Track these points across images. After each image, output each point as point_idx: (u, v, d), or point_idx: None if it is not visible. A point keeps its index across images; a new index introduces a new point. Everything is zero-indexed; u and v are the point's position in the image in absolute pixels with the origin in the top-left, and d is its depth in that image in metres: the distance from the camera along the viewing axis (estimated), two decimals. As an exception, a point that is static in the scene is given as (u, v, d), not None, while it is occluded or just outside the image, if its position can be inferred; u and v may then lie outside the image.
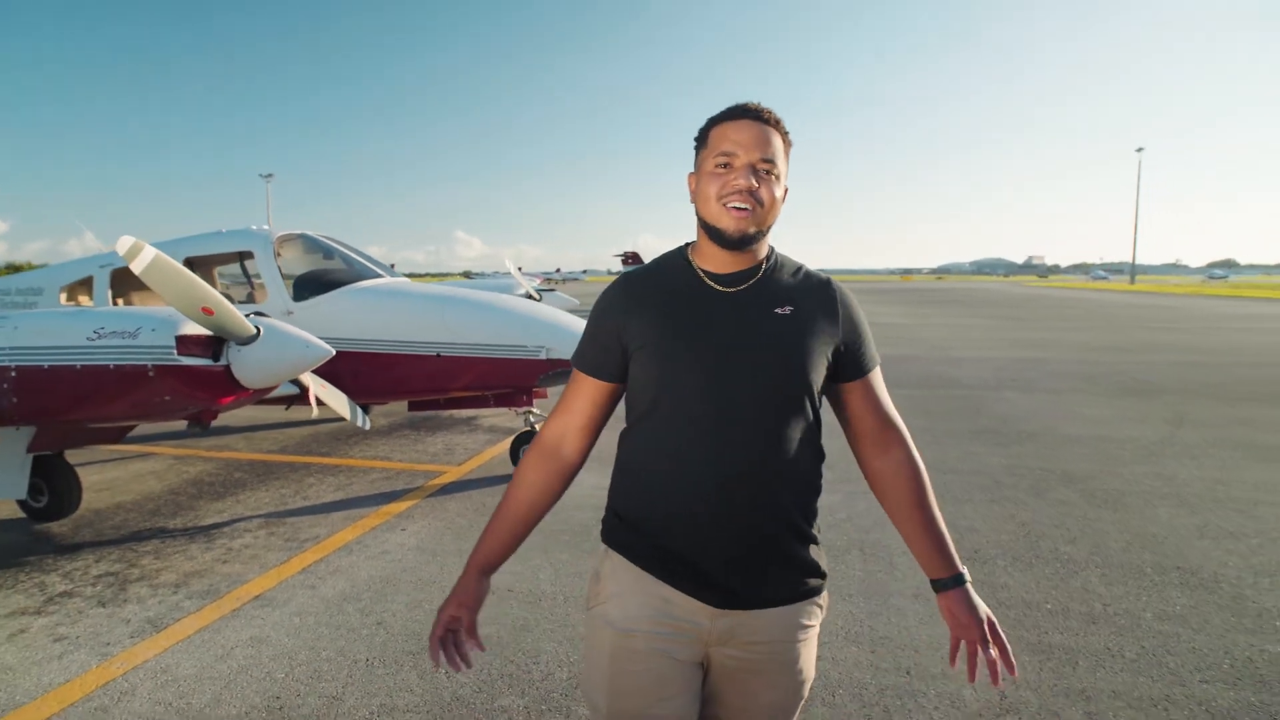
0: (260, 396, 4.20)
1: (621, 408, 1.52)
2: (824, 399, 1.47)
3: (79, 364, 3.75)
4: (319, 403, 4.71)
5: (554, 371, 5.53)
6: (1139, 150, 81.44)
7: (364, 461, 6.50)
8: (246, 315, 3.91)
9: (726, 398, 1.34)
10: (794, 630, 1.40)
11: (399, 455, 6.72)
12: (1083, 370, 11.65)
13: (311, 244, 6.61)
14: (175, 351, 3.70)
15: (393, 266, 6.98)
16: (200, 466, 6.40)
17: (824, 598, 1.46)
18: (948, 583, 1.42)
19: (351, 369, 5.48)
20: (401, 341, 5.63)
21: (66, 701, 2.83)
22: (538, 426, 5.91)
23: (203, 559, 4.26)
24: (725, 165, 1.35)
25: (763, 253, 1.44)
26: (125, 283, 6.78)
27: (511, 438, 6.84)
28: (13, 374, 3.83)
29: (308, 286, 6.06)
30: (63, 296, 6.80)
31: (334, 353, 4.07)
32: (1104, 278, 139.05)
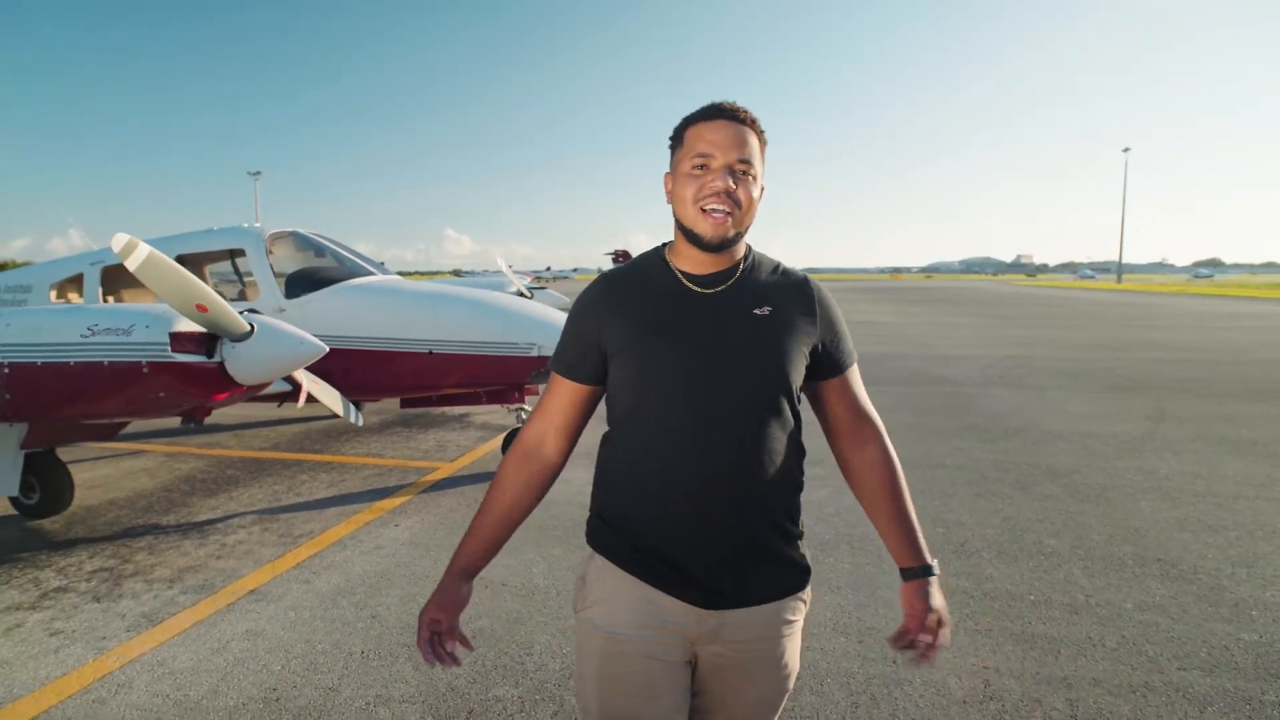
0: (254, 393, 4.22)
1: (602, 408, 1.52)
2: (802, 396, 1.48)
3: (73, 361, 3.77)
4: (310, 399, 4.74)
5: (545, 369, 5.58)
6: (1125, 151, 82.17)
7: (356, 458, 6.53)
8: (240, 312, 3.93)
9: (706, 399, 1.34)
10: (779, 626, 1.41)
11: (391, 452, 6.75)
12: (1068, 368, 11.79)
13: (303, 242, 6.62)
14: (169, 348, 3.73)
15: (382, 264, 7.00)
16: (192, 464, 6.40)
17: (807, 592, 1.47)
18: (916, 572, 1.42)
19: (344, 366, 5.50)
20: (393, 339, 5.65)
21: (64, 694, 2.86)
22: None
23: (197, 554, 4.28)
24: (702, 167, 1.34)
25: (740, 253, 1.44)
26: (116, 280, 6.77)
27: (503, 435, 6.88)
28: (6, 371, 3.85)
29: (299, 284, 6.07)
30: (52, 294, 6.79)
31: (327, 349, 4.10)
32: (1091, 277, 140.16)
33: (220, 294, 4.18)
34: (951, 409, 8.46)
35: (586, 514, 1.54)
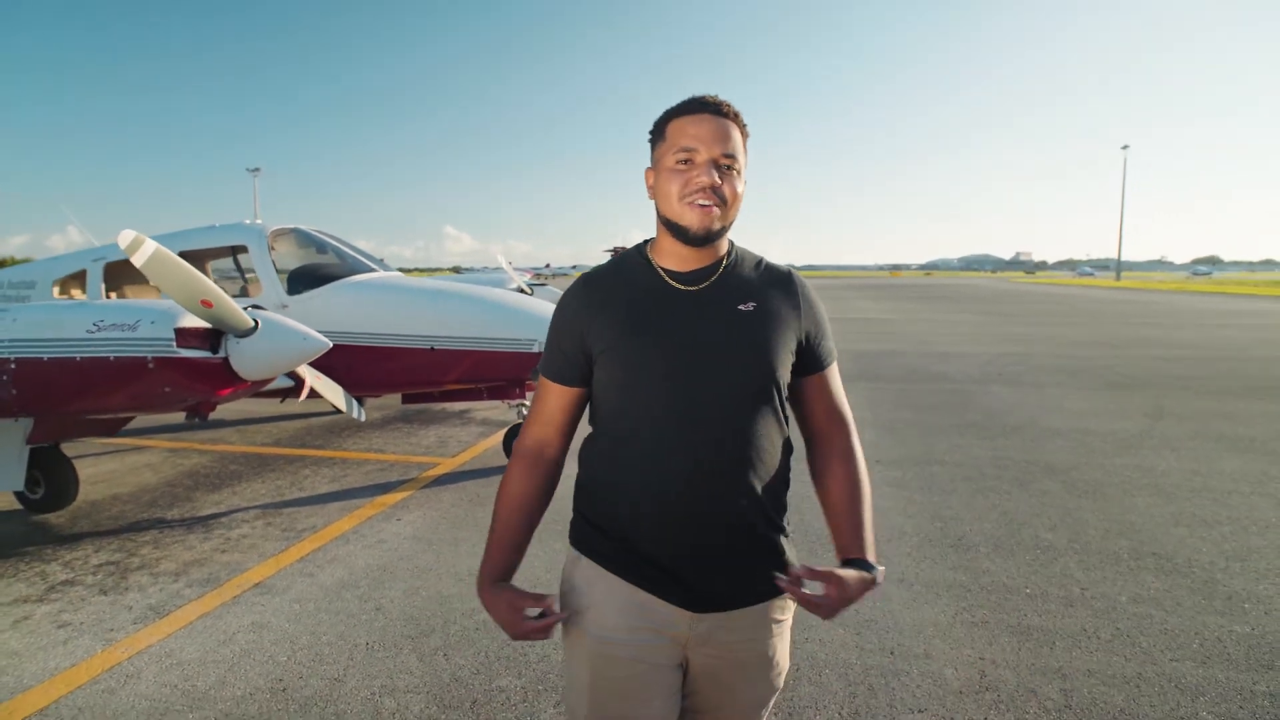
0: (257, 389, 4.26)
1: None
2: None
3: (79, 356, 3.81)
4: (312, 394, 4.77)
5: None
6: (1124, 148, 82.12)
7: (358, 454, 6.56)
8: (244, 308, 3.97)
9: (692, 397, 1.32)
10: (769, 626, 1.40)
11: (393, 448, 6.79)
12: (1067, 365, 11.83)
13: (305, 238, 6.66)
14: (174, 344, 3.76)
15: (382, 260, 7.03)
16: (195, 459, 6.44)
17: None
18: (857, 562, 1.34)
19: (346, 362, 5.54)
20: (395, 335, 5.69)
21: (74, 684, 2.90)
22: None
23: (201, 548, 4.32)
24: (686, 161, 1.32)
25: (723, 248, 1.42)
26: (118, 276, 6.81)
27: (504, 430, 6.92)
28: (12, 366, 3.88)
29: (301, 281, 6.11)
30: (56, 290, 6.82)
31: (331, 345, 4.14)
32: (1090, 274, 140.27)
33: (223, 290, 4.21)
34: (950, 406, 8.50)
35: None
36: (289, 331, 4.00)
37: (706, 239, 1.34)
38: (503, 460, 6.18)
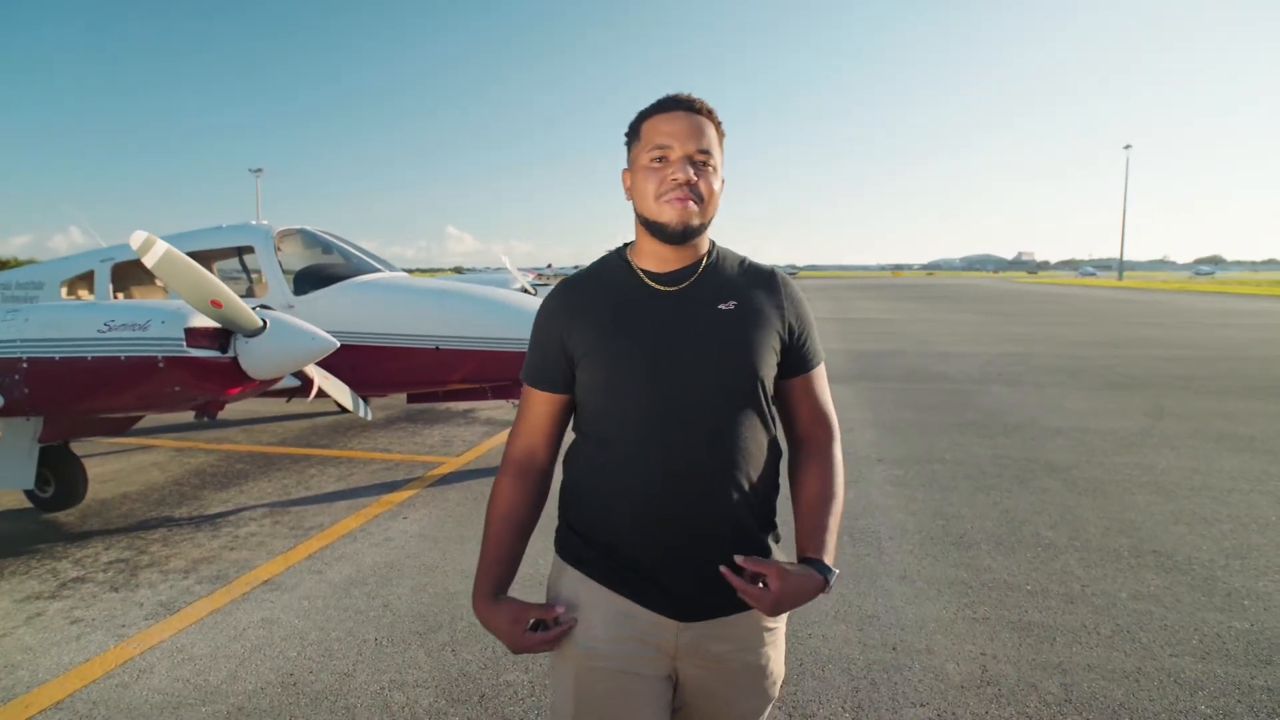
0: (265, 388, 4.31)
1: None
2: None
3: (90, 356, 3.85)
4: (319, 393, 4.82)
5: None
6: (1127, 148, 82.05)
7: (364, 453, 6.61)
8: (253, 308, 4.01)
9: (675, 400, 1.30)
10: (759, 634, 1.37)
11: (398, 447, 6.83)
12: (1068, 365, 11.86)
13: (311, 239, 6.70)
14: (184, 343, 3.81)
15: (386, 262, 7.07)
16: (202, 458, 6.49)
17: None
18: (813, 563, 1.29)
19: (351, 362, 5.58)
20: (401, 335, 5.73)
21: (88, 678, 2.94)
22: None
23: (210, 546, 4.37)
24: (661, 159, 1.31)
25: (704, 247, 1.40)
26: (126, 277, 6.86)
27: (508, 430, 6.96)
28: (24, 365, 3.93)
29: (308, 281, 6.15)
30: (63, 290, 6.87)
31: (338, 345, 4.19)
32: (1092, 274, 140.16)
33: (230, 290, 4.26)
34: (951, 405, 8.53)
35: None
36: (297, 331, 4.05)
37: (685, 236, 1.32)
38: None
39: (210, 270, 7.22)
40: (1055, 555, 4.05)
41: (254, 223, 6.50)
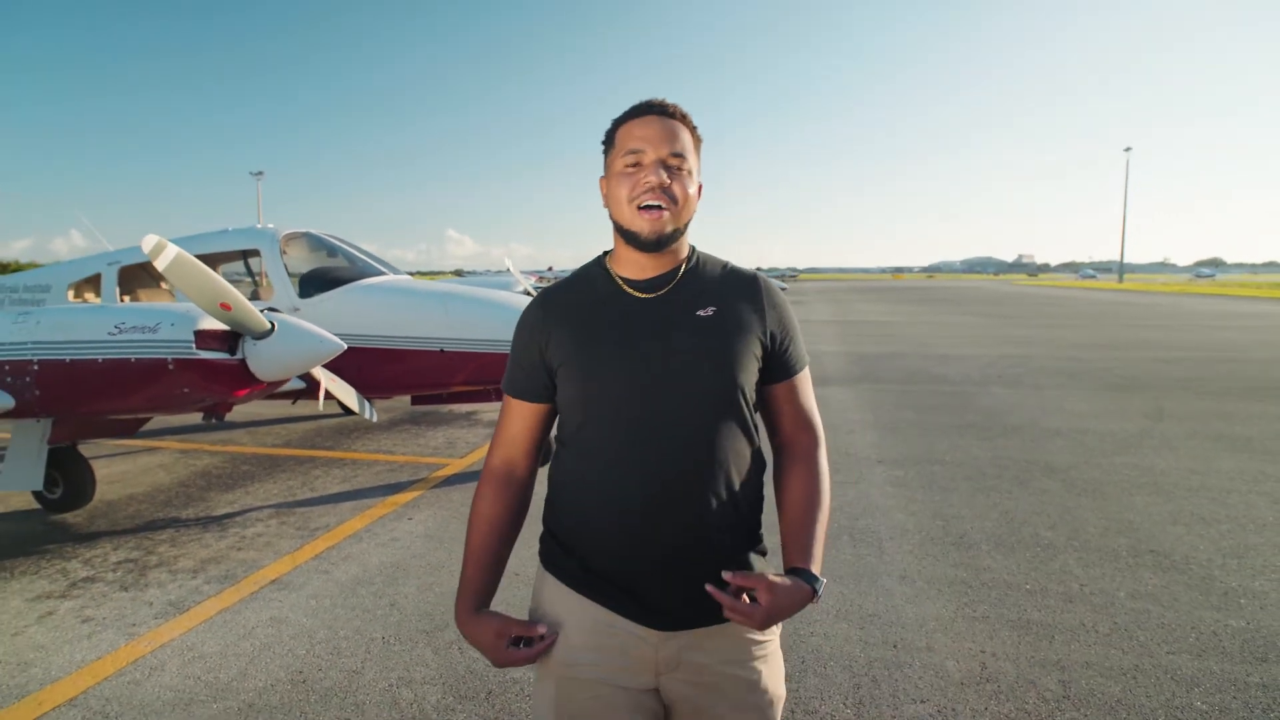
0: (273, 390, 4.36)
1: None
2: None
3: (100, 358, 3.90)
4: (327, 395, 4.87)
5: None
6: (1127, 150, 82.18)
7: (368, 455, 6.66)
8: (260, 311, 4.06)
9: (652, 409, 1.29)
10: (747, 648, 1.33)
11: (402, 449, 6.88)
12: (1067, 367, 11.90)
13: (316, 242, 6.76)
14: (194, 346, 3.86)
15: (390, 265, 7.12)
16: (207, 460, 6.54)
17: None
18: (800, 572, 1.26)
19: (357, 364, 5.63)
20: (406, 337, 5.78)
21: (100, 676, 2.99)
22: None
23: (217, 546, 4.42)
24: (635, 164, 1.30)
25: (683, 252, 1.39)
26: (132, 280, 6.92)
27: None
28: (35, 367, 3.98)
29: (313, 284, 6.20)
30: (70, 294, 6.92)
31: (345, 347, 4.24)
32: (1092, 276, 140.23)
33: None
34: (951, 407, 8.58)
35: None
36: (305, 334, 4.10)
37: (660, 242, 1.31)
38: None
39: (216, 273, 7.31)
40: (1054, 555, 4.10)
41: (260, 226, 6.55)
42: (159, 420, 7.60)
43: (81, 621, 3.48)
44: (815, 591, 1.24)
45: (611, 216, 1.35)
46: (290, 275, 6.26)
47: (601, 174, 1.39)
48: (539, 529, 1.45)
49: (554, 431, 1.47)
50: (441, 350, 5.75)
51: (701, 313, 1.33)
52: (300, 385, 5.31)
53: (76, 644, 3.26)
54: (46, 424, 4.59)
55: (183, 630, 3.37)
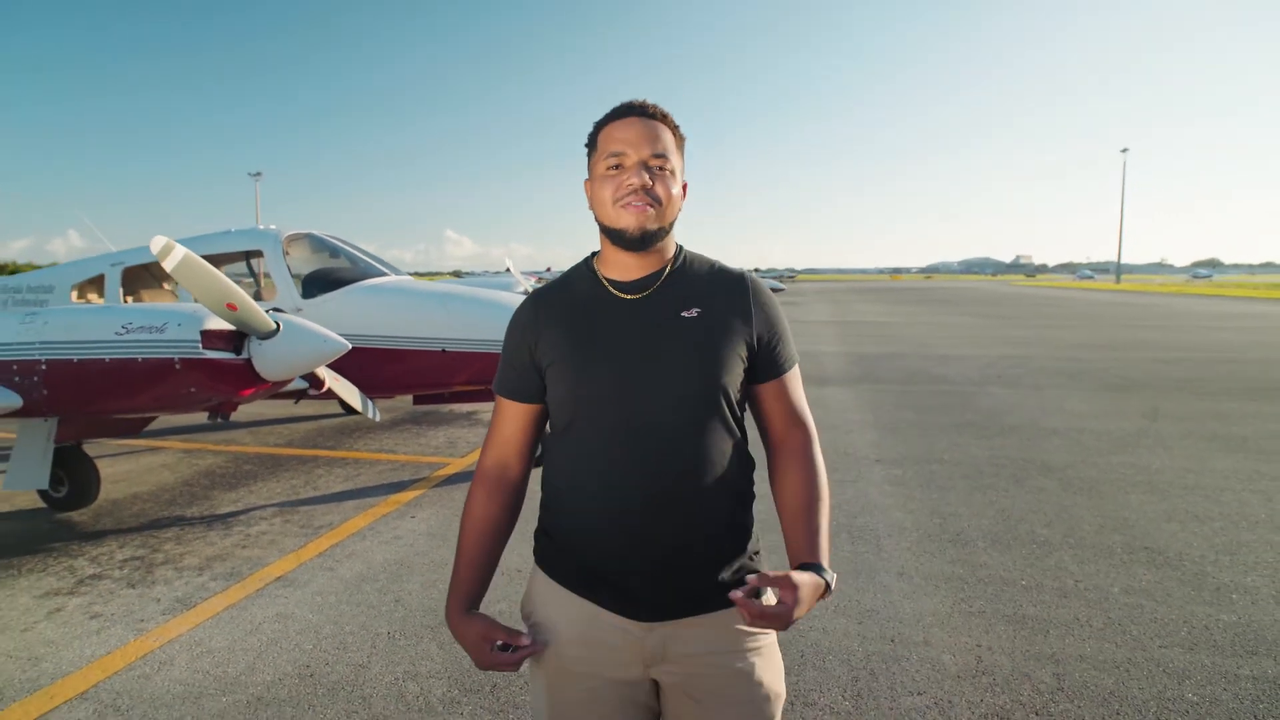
0: (278, 389, 4.40)
1: None
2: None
3: (108, 357, 3.95)
4: (332, 395, 4.92)
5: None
6: (1124, 151, 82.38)
7: (370, 454, 6.70)
8: (266, 311, 4.11)
9: (637, 409, 1.30)
10: (737, 639, 1.33)
11: (403, 448, 6.93)
12: (1065, 367, 11.97)
13: (318, 243, 6.81)
14: (200, 345, 3.91)
15: (392, 266, 7.17)
16: (210, 459, 6.58)
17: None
18: (811, 567, 1.25)
19: (359, 364, 5.67)
20: (408, 337, 5.83)
21: (110, 670, 3.03)
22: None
23: (222, 544, 4.46)
24: (617, 166, 1.31)
25: (669, 252, 1.40)
26: (135, 281, 6.96)
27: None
28: (43, 367, 4.03)
29: (316, 284, 6.25)
30: (74, 294, 6.97)
31: (350, 347, 4.28)
32: (1090, 277, 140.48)
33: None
34: (950, 407, 8.63)
35: None
36: (310, 334, 4.15)
37: (644, 242, 1.32)
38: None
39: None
40: (1050, 552, 4.15)
41: (262, 228, 6.60)
42: (162, 420, 7.64)
43: (90, 618, 3.52)
44: (828, 585, 1.24)
45: (597, 218, 1.37)
46: (293, 276, 6.31)
47: (586, 177, 1.41)
48: (534, 526, 1.47)
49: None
50: (443, 350, 5.80)
51: (686, 314, 1.34)
52: (304, 385, 5.35)
53: (86, 639, 3.31)
54: (52, 423, 4.63)
55: (190, 626, 3.42)
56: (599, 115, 1.38)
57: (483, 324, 5.77)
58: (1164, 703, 2.72)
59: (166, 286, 7.63)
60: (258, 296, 6.93)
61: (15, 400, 4.01)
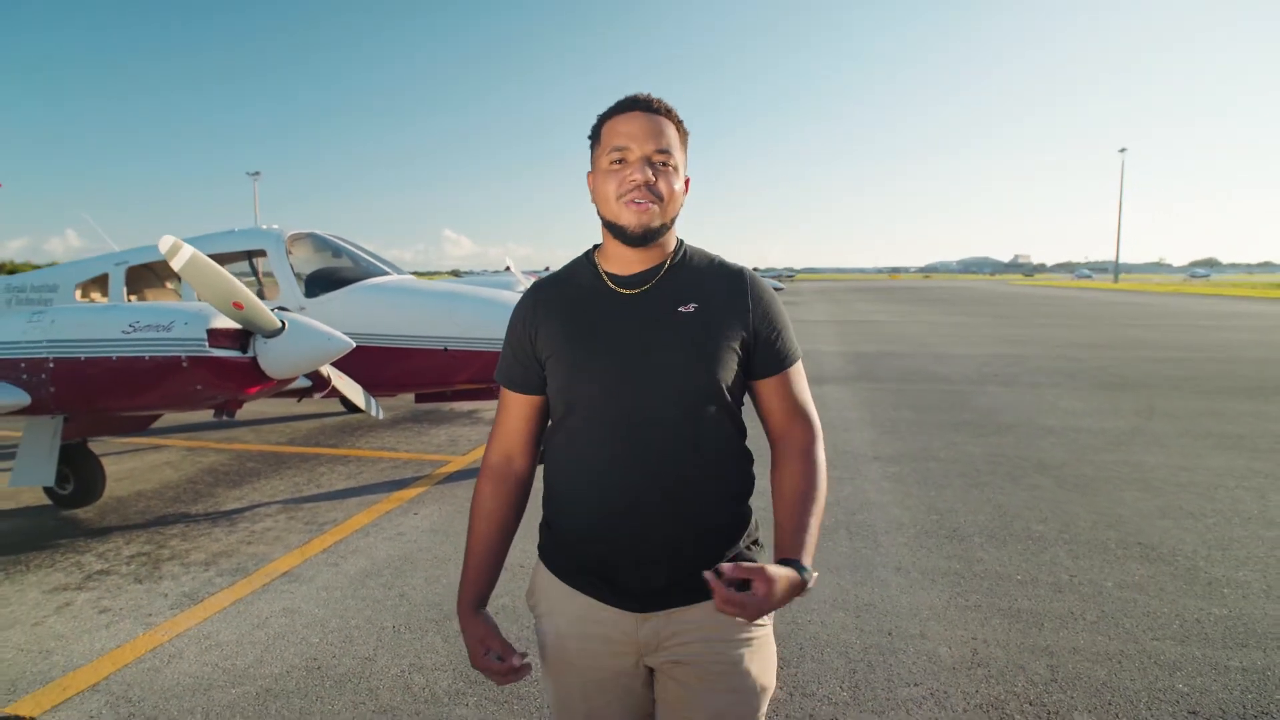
0: (282, 387, 4.45)
1: None
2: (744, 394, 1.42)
3: (115, 356, 3.99)
4: (334, 393, 4.96)
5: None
6: (1122, 151, 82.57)
7: (372, 452, 6.76)
8: (271, 310, 4.16)
9: (631, 403, 1.31)
10: (729, 629, 1.34)
11: (405, 446, 6.98)
12: (1062, 366, 12.03)
13: (321, 242, 6.85)
14: (207, 344, 3.96)
15: (394, 265, 7.21)
16: (213, 457, 6.63)
17: None
18: (792, 563, 1.24)
19: (362, 362, 5.72)
20: (411, 336, 5.88)
21: (121, 663, 3.08)
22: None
23: (228, 541, 4.51)
24: (620, 161, 1.31)
25: (670, 247, 1.40)
26: (139, 280, 7.01)
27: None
28: (51, 365, 4.07)
29: (319, 283, 6.30)
30: (77, 293, 7.01)
31: (354, 345, 4.33)
32: (1088, 276, 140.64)
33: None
34: (947, 405, 8.69)
35: None
36: (314, 332, 4.20)
37: (645, 237, 1.33)
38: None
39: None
40: (1045, 547, 4.21)
41: (266, 227, 6.65)
42: (164, 418, 7.68)
43: (99, 612, 3.57)
44: (805, 582, 1.23)
45: (599, 212, 1.37)
46: (296, 275, 6.36)
47: (589, 170, 1.41)
48: (539, 519, 1.51)
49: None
50: (445, 349, 5.85)
51: (682, 309, 1.34)
52: (307, 384, 5.40)
53: (95, 633, 3.36)
54: (59, 421, 4.67)
55: (198, 620, 3.47)
56: (591, 114, 1.42)
57: (485, 323, 5.82)
58: (1155, 693, 2.78)
59: (169, 285, 7.67)
60: (261, 296, 6.98)
61: (24, 398, 4.06)
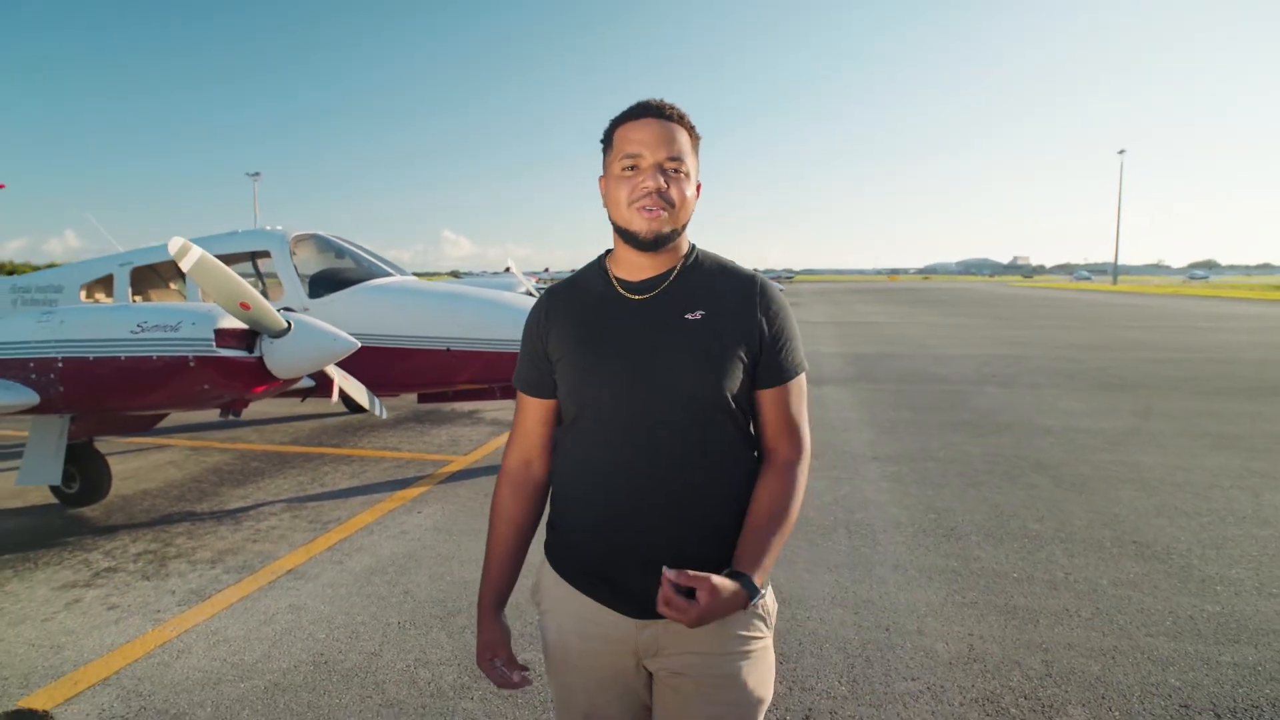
0: (288, 386, 4.51)
1: None
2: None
3: (123, 355, 4.05)
4: (341, 395, 5.01)
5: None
6: (1121, 152, 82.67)
7: (374, 452, 6.81)
8: (278, 310, 4.21)
9: (639, 407, 1.32)
10: (728, 641, 1.33)
11: (407, 446, 7.03)
12: (1061, 367, 12.09)
13: (325, 243, 6.90)
14: (214, 344, 4.01)
15: (397, 266, 7.26)
16: (217, 457, 6.68)
17: (765, 607, 1.37)
18: (741, 577, 1.24)
19: (366, 363, 5.77)
20: (414, 336, 5.93)
21: (131, 658, 3.13)
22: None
23: (233, 539, 4.56)
24: (632, 167, 1.31)
25: (681, 252, 1.41)
26: (143, 281, 7.05)
27: (514, 429, 7.16)
28: (59, 365, 4.12)
29: (322, 284, 6.35)
30: (82, 294, 7.06)
31: (359, 345, 4.39)
32: (1087, 278, 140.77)
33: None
34: (945, 406, 8.75)
35: None
36: (320, 332, 4.25)
37: (657, 243, 1.33)
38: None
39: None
40: (1041, 546, 4.26)
41: (269, 228, 6.70)
42: (169, 418, 7.73)
43: (108, 608, 3.62)
44: (750, 599, 1.23)
45: (610, 217, 1.38)
46: (300, 276, 6.40)
47: (601, 174, 1.41)
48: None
49: None
50: (449, 349, 5.90)
51: (690, 316, 1.34)
52: (311, 383, 5.45)
53: (105, 629, 3.41)
54: (66, 420, 4.72)
55: (206, 616, 3.52)
56: (599, 115, 1.44)
57: (487, 324, 5.87)
58: (1148, 687, 2.83)
59: (173, 286, 7.72)
60: (264, 296, 7.03)
61: (33, 397, 4.11)
